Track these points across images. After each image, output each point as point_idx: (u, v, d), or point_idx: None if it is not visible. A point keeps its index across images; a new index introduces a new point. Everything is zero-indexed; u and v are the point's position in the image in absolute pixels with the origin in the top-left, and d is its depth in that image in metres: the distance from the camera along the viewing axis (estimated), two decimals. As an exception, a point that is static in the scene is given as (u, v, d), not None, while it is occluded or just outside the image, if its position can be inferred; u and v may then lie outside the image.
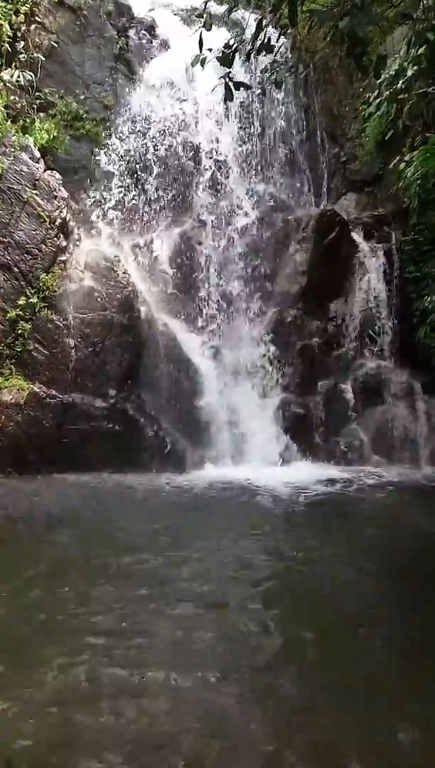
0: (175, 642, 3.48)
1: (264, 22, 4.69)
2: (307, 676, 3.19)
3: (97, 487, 6.95)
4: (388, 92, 6.98)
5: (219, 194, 9.15)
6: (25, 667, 3.17)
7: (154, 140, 9.17)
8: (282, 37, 5.09)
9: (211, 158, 9.27)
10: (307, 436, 8.48)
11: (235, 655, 3.36)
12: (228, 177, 9.28)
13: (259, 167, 9.65)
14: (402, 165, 7.44)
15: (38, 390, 7.40)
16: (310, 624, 3.73)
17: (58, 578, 4.30)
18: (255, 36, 4.38)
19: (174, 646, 3.43)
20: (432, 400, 8.95)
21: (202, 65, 4.32)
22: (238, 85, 4.44)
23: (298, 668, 3.26)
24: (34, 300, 7.56)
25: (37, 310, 7.57)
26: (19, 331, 7.49)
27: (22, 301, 7.51)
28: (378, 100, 7.38)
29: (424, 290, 8.80)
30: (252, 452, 8.15)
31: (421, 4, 4.83)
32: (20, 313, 7.50)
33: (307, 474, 7.68)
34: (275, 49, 4.69)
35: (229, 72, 4.38)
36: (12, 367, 7.48)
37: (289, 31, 5.42)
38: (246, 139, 9.59)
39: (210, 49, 4.38)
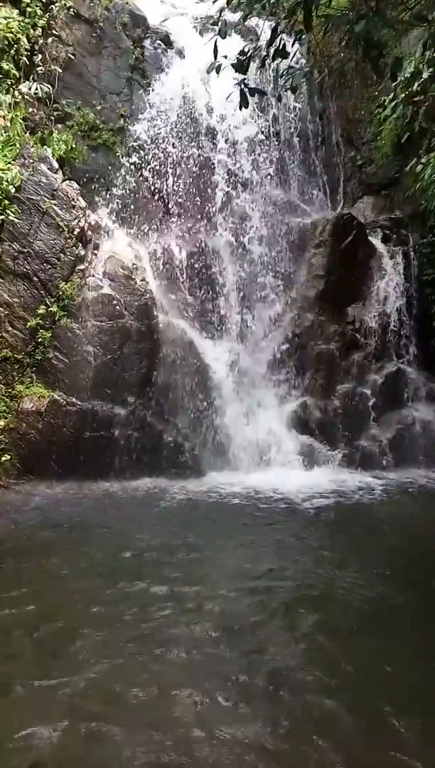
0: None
1: (279, 28, 4.71)
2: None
3: (117, 494, 6.98)
4: (403, 95, 6.95)
5: (236, 200, 9.17)
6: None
7: (170, 148, 9.23)
8: (297, 42, 5.10)
9: (227, 164, 9.30)
10: (326, 441, 8.43)
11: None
12: (244, 183, 9.30)
13: (276, 172, 9.65)
14: (419, 167, 7.40)
15: (58, 397, 7.47)
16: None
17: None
18: (270, 42, 4.40)
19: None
20: (453, 403, 8.87)
21: (218, 72, 4.34)
22: (254, 91, 4.46)
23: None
24: (54, 309, 7.63)
25: (56, 318, 7.65)
26: (39, 340, 7.56)
27: (41, 310, 7.59)
28: (393, 103, 7.35)
29: (442, 293, 8.73)
30: (270, 457, 8.13)
31: (437, 6, 4.80)
32: (40, 321, 7.58)
33: (327, 479, 7.64)
34: (290, 55, 4.71)
35: (245, 79, 4.40)
36: (32, 375, 7.56)
37: (304, 36, 5.42)
38: (262, 145, 9.61)
39: (225, 56, 4.41)
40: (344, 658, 3.47)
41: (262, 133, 9.64)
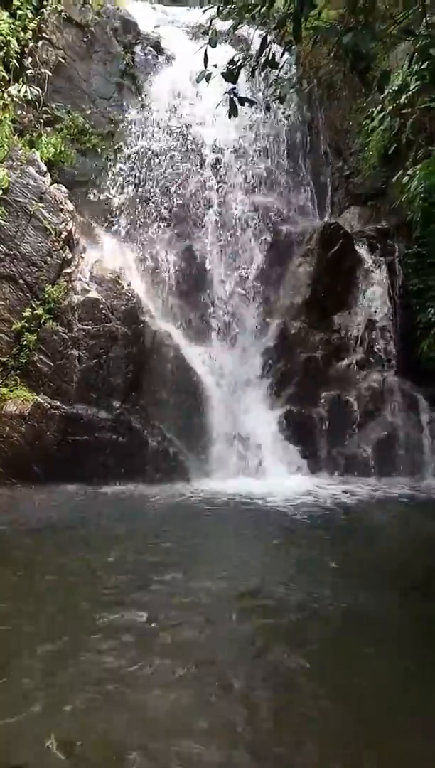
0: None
1: (268, 39, 4.76)
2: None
3: (100, 499, 6.94)
4: (391, 107, 7.04)
5: (223, 207, 9.21)
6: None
7: (159, 154, 9.25)
8: (286, 53, 5.15)
9: (215, 172, 9.35)
10: (311, 448, 8.46)
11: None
12: (232, 190, 9.35)
13: (264, 180, 9.71)
14: (405, 179, 7.48)
15: (42, 401, 7.42)
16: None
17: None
18: (259, 52, 4.44)
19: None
20: (436, 411, 8.94)
21: (208, 81, 4.37)
22: (243, 100, 4.49)
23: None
24: (40, 312, 7.60)
25: (42, 321, 7.61)
26: (24, 343, 7.52)
27: (27, 313, 7.55)
28: (381, 115, 7.43)
29: (427, 302, 8.82)
30: (255, 464, 8.14)
31: (424, 20, 4.88)
32: (25, 324, 7.54)
33: (311, 486, 7.66)
34: (280, 65, 4.76)
35: (234, 88, 4.44)
36: (17, 378, 7.51)
37: (293, 47, 5.48)
38: (250, 153, 9.66)
39: (215, 65, 4.44)
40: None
41: (251, 141, 9.70)
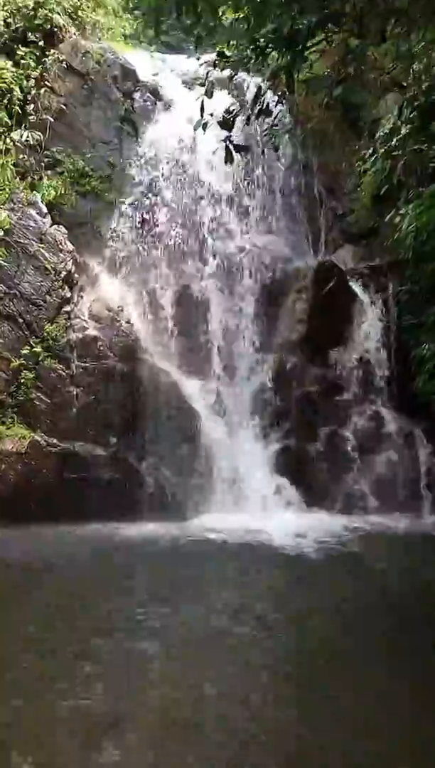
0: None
1: (263, 88, 4.96)
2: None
3: (96, 538, 6.87)
4: (382, 149, 7.28)
5: (221, 246, 9.39)
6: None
7: (158, 195, 9.48)
8: (280, 104, 5.35)
9: (213, 212, 9.56)
10: (308, 484, 8.42)
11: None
12: (229, 230, 9.55)
13: (260, 220, 9.92)
14: (397, 219, 7.67)
15: (39, 438, 7.42)
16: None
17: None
18: (254, 102, 4.63)
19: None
20: (433, 446, 8.93)
21: (204, 129, 4.54)
22: (238, 148, 4.65)
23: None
24: (38, 349, 7.67)
25: (40, 359, 7.68)
26: (22, 380, 7.57)
27: (25, 351, 7.62)
28: (373, 158, 7.67)
29: (421, 338, 8.91)
30: (252, 500, 8.09)
31: (411, 71, 5.11)
32: (23, 362, 7.60)
33: (309, 523, 7.59)
34: (274, 113, 4.95)
35: (230, 136, 4.60)
36: (14, 415, 7.53)
37: (287, 96, 5.70)
38: (247, 194, 9.90)
39: (211, 114, 4.62)
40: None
41: (247, 182, 9.95)
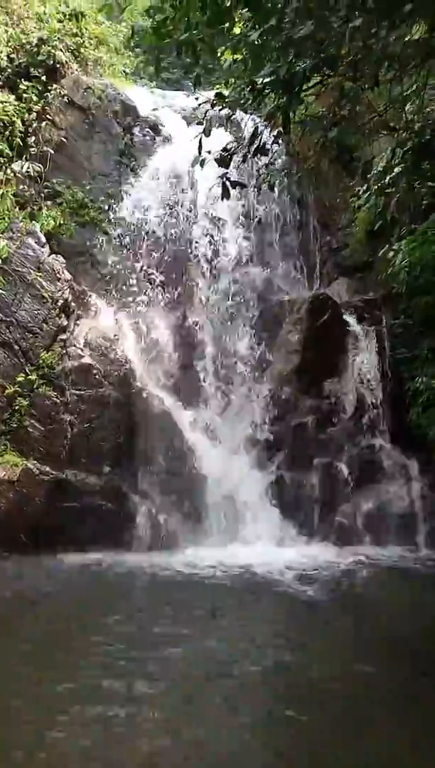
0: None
1: (259, 128, 5.10)
2: None
3: (86, 569, 6.77)
4: (376, 186, 7.44)
5: (216, 277, 9.51)
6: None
7: (155, 227, 9.62)
8: (276, 144, 5.49)
9: (209, 244, 9.70)
10: (303, 516, 8.38)
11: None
12: (225, 262, 9.68)
13: (255, 253, 10.07)
14: (390, 254, 7.81)
15: (32, 466, 7.37)
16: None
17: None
18: (250, 141, 4.74)
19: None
20: (428, 479, 8.92)
21: (202, 166, 4.65)
22: (235, 184, 4.75)
23: None
24: (33, 377, 7.68)
25: (35, 386, 7.68)
26: (16, 407, 7.55)
27: (20, 378, 7.63)
28: (367, 194, 7.83)
29: (415, 371, 8.98)
30: (246, 532, 8.02)
31: (403, 115, 5.26)
32: (18, 389, 7.60)
33: (303, 555, 7.53)
34: (270, 152, 5.07)
35: (226, 173, 4.70)
36: (6, 442, 7.50)
37: (282, 136, 5.85)
38: (243, 228, 10.07)
39: (209, 152, 4.73)
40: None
41: (243, 216, 10.12)
